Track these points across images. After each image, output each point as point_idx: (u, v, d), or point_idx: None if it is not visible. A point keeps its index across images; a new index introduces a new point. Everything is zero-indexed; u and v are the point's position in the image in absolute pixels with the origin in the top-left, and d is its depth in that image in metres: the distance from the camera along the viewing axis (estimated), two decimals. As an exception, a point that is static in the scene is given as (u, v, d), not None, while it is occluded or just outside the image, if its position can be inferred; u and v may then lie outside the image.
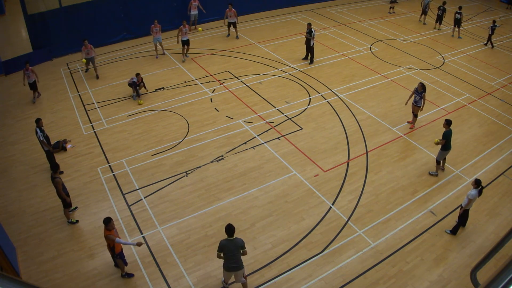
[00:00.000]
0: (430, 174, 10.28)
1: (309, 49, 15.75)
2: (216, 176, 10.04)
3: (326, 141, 11.43)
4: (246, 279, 7.08)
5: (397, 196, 9.65)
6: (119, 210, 9.03)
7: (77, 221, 8.76)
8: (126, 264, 7.47)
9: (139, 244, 7.07)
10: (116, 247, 7.02)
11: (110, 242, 6.92)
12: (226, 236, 6.55)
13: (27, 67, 12.70)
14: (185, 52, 16.09)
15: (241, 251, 6.64)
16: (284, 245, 8.29)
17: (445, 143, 9.76)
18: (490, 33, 18.21)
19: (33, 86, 13.03)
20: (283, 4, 22.38)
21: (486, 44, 18.65)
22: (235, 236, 6.56)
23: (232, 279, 7.10)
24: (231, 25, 17.76)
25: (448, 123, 9.73)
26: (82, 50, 14.06)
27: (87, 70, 15.07)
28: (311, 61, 15.99)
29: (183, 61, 15.94)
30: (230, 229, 6.49)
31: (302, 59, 16.25)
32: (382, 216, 9.04)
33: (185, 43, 15.82)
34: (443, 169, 10.45)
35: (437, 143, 9.77)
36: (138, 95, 13.18)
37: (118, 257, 7.19)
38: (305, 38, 15.67)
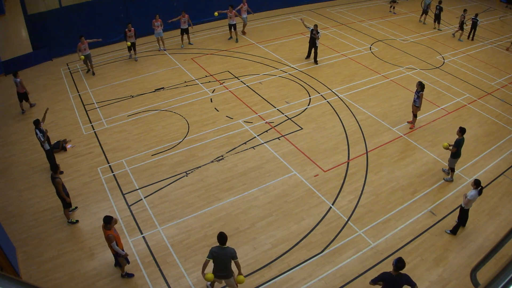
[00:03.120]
0: (445, 180, 10.13)
1: (315, 49, 15.73)
2: (216, 176, 10.04)
3: (326, 141, 11.43)
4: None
5: (397, 196, 9.65)
6: (119, 210, 9.03)
7: (77, 221, 8.76)
8: (128, 262, 7.47)
9: (125, 256, 7.19)
10: (119, 244, 7.01)
11: (107, 242, 6.91)
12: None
13: (17, 74, 12.01)
14: (185, 39, 17.35)
15: (233, 261, 6.42)
16: (284, 245, 8.29)
17: (456, 151, 9.60)
18: (471, 26, 19.06)
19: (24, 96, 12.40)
20: (283, 4, 22.38)
21: (473, 39, 19.09)
22: (227, 244, 6.39)
23: (223, 283, 7.03)
24: (232, 28, 17.68)
25: (462, 131, 9.51)
26: (78, 47, 14.00)
27: (88, 70, 15.03)
28: (316, 61, 15.97)
29: (182, 47, 17.16)
30: (222, 238, 6.30)
31: (306, 58, 16.26)
32: (382, 216, 9.04)
33: (184, 31, 16.95)
34: (445, 170, 10.44)
35: (445, 148, 9.68)
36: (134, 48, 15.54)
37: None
38: (310, 37, 15.62)
